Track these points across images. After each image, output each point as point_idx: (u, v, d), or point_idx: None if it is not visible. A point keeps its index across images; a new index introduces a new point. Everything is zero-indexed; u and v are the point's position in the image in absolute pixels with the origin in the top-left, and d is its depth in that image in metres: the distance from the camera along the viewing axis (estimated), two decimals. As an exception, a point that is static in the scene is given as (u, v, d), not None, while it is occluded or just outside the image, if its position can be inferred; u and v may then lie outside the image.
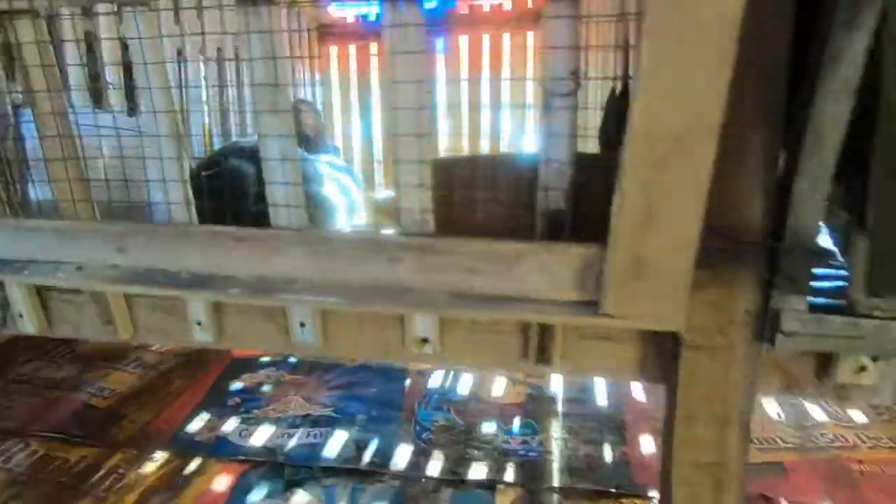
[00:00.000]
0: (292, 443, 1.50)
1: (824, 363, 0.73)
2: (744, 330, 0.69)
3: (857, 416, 1.55)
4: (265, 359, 1.95)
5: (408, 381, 1.79)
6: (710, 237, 0.68)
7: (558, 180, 0.68)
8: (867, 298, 0.51)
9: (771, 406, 1.60)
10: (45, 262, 0.80)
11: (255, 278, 0.73)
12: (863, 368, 0.71)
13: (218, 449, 1.48)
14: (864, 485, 1.29)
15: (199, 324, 0.87)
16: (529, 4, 2.53)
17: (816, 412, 1.57)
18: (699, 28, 0.49)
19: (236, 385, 1.79)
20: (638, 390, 1.74)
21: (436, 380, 1.80)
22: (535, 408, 1.64)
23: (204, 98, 1.53)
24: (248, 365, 1.91)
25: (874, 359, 0.70)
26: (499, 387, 1.75)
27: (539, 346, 0.80)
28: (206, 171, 1.06)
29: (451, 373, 1.83)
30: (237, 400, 1.71)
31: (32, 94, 0.76)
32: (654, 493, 1.26)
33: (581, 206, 0.68)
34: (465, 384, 1.78)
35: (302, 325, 0.84)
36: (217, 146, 1.45)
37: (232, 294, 0.73)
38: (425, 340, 0.82)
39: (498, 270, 0.65)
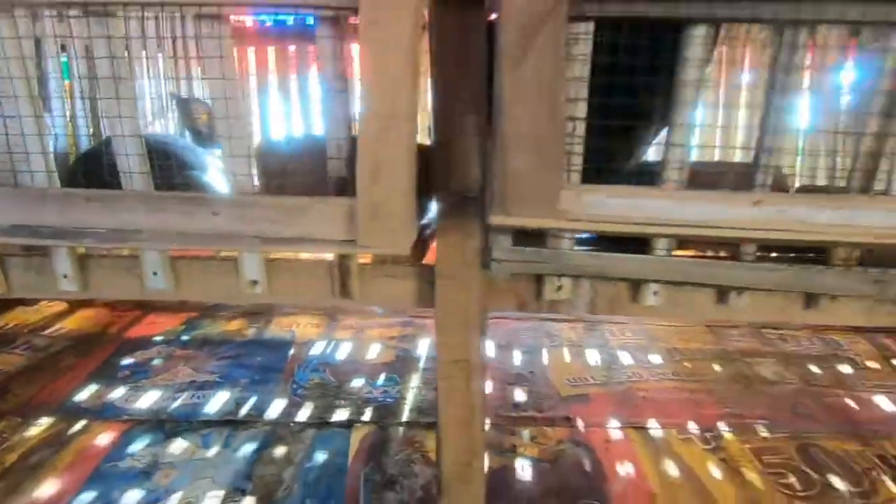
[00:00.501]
0: (176, 404, 1.66)
1: (539, 285, 1.03)
2: (475, 262, 0.98)
3: (655, 358, 1.94)
4: (158, 337, 2.09)
5: (292, 351, 2.00)
6: (448, 196, 0.96)
7: (338, 154, 0.93)
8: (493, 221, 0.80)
9: (591, 354, 1.97)
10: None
11: (108, 230, 0.93)
12: (559, 287, 1.02)
13: (103, 413, 1.61)
14: (642, 405, 1.66)
15: (65, 276, 1.05)
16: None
17: (625, 357, 1.95)
18: (391, 45, 0.76)
19: (127, 360, 1.92)
20: (486, 348, 2.05)
21: (318, 349, 2.02)
22: (401, 366, 1.90)
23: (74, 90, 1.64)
24: (140, 344, 2.04)
25: (570, 278, 1.01)
26: (373, 351, 2.00)
27: (341, 283, 1.06)
28: (84, 167, 1.22)
29: (332, 342, 2.06)
30: (126, 373, 1.84)
31: None
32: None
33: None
34: (343, 351, 2.01)
35: (154, 273, 1.05)
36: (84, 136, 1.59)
37: (86, 242, 0.93)
38: (255, 282, 1.05)
39: (291, 220, 0.90)
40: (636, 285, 1.02)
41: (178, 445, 1.47)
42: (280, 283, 1.06)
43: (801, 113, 0.94)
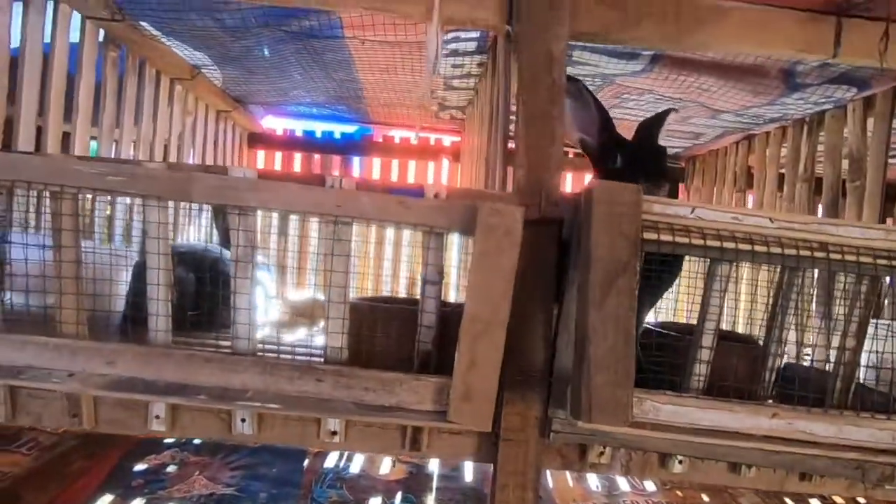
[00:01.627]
0: (197, 521, 1.67)
1: (583, 450, 1.20)
2: (535, 430, 1.14)
3: (650, 485, 2.09)
4: (169, 440, 2.09)
5: (307, 462, 2.04)
6: (517, 373, 1.14)
7: (428, 330, 1.10)
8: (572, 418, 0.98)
9: (592, 481, 2.10)
10: (40, 369, 1.05)
11: (219, 388, 1.05)
12: (601, 453, 1.19)
13: (123, 528, 1.60)
14: (643, 535, 1.79)
15: (157, 417, 1.14)
16: (431, 142, 3.13)
17: (623, 484, 2.09)
18: (496, 270, 0.96)
19: (140, 466, 1.91)
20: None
21: (331, 460, 2.07)
22: (415, 484, 1.97)
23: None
24: (151, 446, 2.03)
25: (609, 447, 1.18)
26: (385, 466, 2.07)
27: (412, 439, 1.19)
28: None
29: (345, 454, 2.11)
30: (140, 481, 1.83)
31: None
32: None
33: (443, 348, 1.10)
34: (356, 464, 2.06)
35: (243, 420, 1.15)
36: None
37: (198, 401, 1.04)
38: (334, 433, 1.17)
39: (385, 390, 1.05)
40: (665, 458, 1.20)
41: (205, 572, 1.48)
42: (355, 434, 1.18)
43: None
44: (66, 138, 1.62)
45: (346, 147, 3.07)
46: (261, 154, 3.07)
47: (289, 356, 1.12)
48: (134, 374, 1.04)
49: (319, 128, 3.08)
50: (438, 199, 1.05)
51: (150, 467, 1.91)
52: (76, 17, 1.61)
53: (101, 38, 1.72)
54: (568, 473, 2.13)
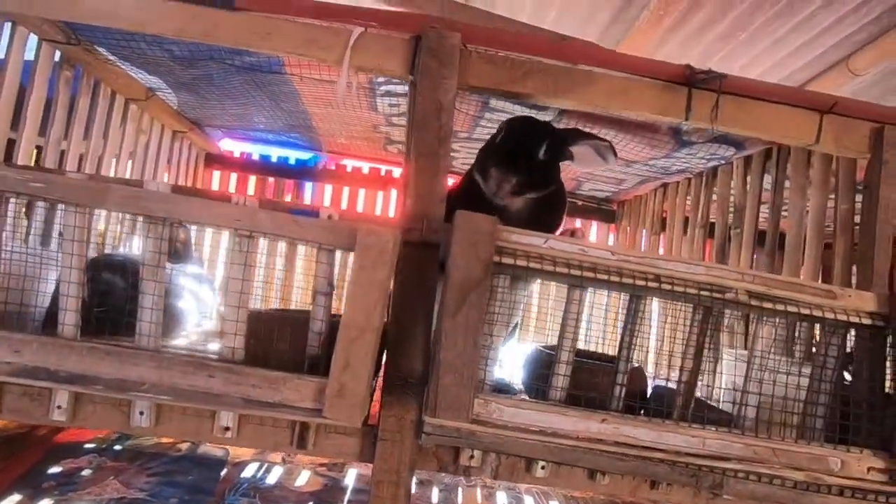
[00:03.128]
0: (102, 521, 1.71)
1: (456, 453, 1.32)
2: (410, 432, 1.27)
3: (553, 502, 2.20)
4: (90, 445, 2.12)
5: (224, 472, 2.09)
6: (397, 379, 1.27)
7: (317, 336, 1.23)
8: (429, 416, 1.11)
9: (501, 496, 2.20)
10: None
11: (117, 380, 1.15)
12: (472, 456, 1.32)
13: (26, 526, 1.63)
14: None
15: (59, 407, 1.23)
16: (382, 173, 3.32)
17: (529, 501, 2.20)
18: (371, 283, 1.11)
19: (54, 469, 1.94)
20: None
21: (249, 471, 2.13)
22: (328, 496, 2.04)
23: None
24: (71, 450, 2.06)
25: (477, 450, 1.31)
26: (302, 478, 2.13)
27: (300, 437, 1.30)
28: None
29: (264, 465, 2.18)
30: (52, 483, 1.86)
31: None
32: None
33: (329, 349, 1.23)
34: (274, 476, 2.13)
35: (141, 413, 1.25)
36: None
37: (96, 390, 1.14)
38: (227, 428, 1.27)
39: (271, 387, 1.16)
40: (529, 460, 1.33)
41: (102, 569, 1.52)
42: (248, 431, 1.29)
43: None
44: (11, 146, 1.73)
45: (300, 172, 3.23)
46: (216, 174, 3.20)
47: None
48: (38, 364, 1.14)
49: (276, 153, 3.23)
50: (327, 220, 1.20)
51: (64, 470, 1.94)
52: (33, 38, 1.75)
53: (56, 59, 1.86)
54: (479, 490, 2.22)
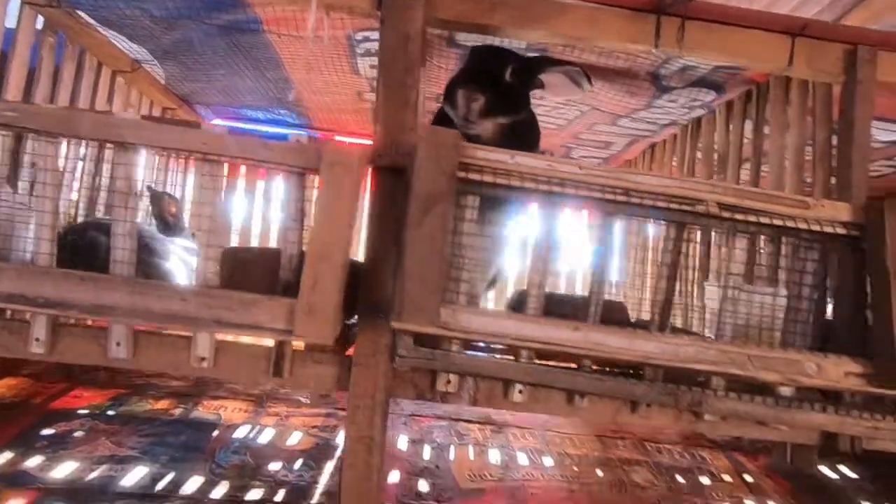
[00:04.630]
0: (92, 476, 1.72)
1: (433, 378, 1.32)
2: (384, 356, 1.27)
3: (548, 460, 2.19)
4: (83, 410, 2.14)
5: (216, 433, 2.10)
6: (370, 305, 1.28)
7: (289, 261, 1.24)
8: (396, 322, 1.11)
9: (493, 454, 2.19)
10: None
11: (91, 305, 1.17)
12: (448, 381, 1.32)
13: (15, 480, 1.65)
14: (530, 501, 1.88)
15: (37, 340, 1.25)
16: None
17: (522, 458, 2.19)
18: (338, 199, 1.12)
19: (47, 431, 1.95)
20: (401, 442, 2.22)
21: (241, 432, 2.13)
22: (319, 453, 2.04)
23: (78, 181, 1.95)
24: (64, 415, 2.08)
25: (457, 375, 1.31)
26: (295, 438, 2.14)
27: (276, 366, 1.31)
28: (71, 236, 1.47)
29: (256, 427, 2.18)
30: (45, 443, 1.88)
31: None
32: None
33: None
34: (266, 436, 2.13)
35: (118, 343, 1.26)
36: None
37: (72, 313, 1.15)
38: (203, 359, 1.28)
39: (244, 309, 1.17)
40: (507, 384, 1.33)
41: (90, 515, 1.54)
42: (224, 361, 1.30)
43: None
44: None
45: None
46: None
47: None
48: (16, 291, 1.16)
49: (267, 131, 3.26)
50: (294, 142, 1.21)
51: (56, 432, 1.96)
52: (14, 4, 1.78)
53: (39, 25, 1.90)
54: (471, 448, 2.22)
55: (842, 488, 2.31)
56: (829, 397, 1.37)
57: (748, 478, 2.28)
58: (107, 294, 1.16)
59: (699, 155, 2.29)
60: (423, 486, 1.92)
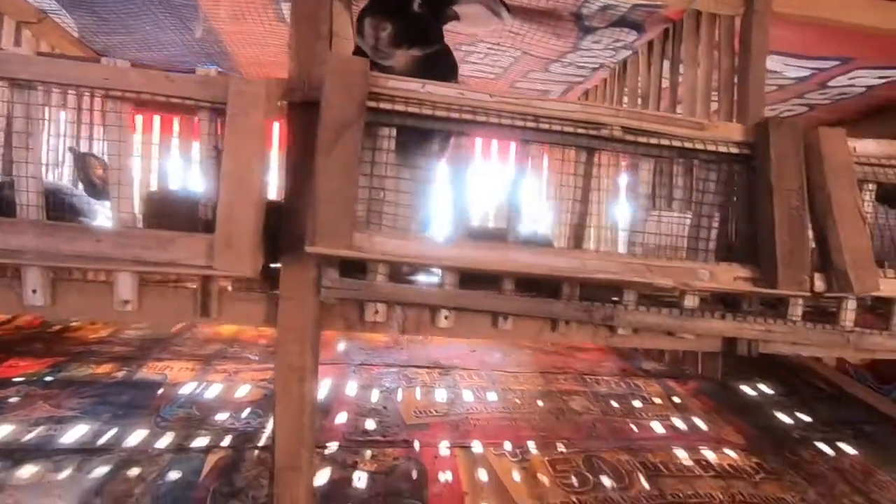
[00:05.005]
0: (29, 436, 1.70)
1: (362, 310, 1.37)
2: (311, 289, 1.30)
3: (492, 396, 2.30)
4: (19, 378, 2.09)
5: (161, 391, 2.10)
6: (293, 239, 1.29)
7: (207, 202, 1.24)
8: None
9: (440, 393, 2.29)
10: None
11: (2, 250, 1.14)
12: (377, 311, 1.36)
13: (-54, 445, 1.62)
14: (472, 431, 1.98)
15: (-55, 291, 1.21)
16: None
17: (468, 395, 2.29)
18: (246, 130, 1.12)
19: (-20, 399, 1.91)
20: (349, 388, 2.29)
21: (188, 388, 2.14)
22: (267, 402, 2.08)
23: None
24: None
25: (384, 304, 1.36)
26: (243, 391, 2.16)
27: (202, 304, 1.31)
28: None
29: (203, 383, 2.19)
30: (-22, 410, 1.84)
31: None
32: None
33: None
34: (213, 391, 2.15)
35: (34, 291, 1.24)
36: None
37: (-24, 259, 1.12)
38: (127, 302, 1.28)
39: (160, 247, 1.17)
40: (433, 311, 1.39)
41: (28, 470, 1.53)
42: (149, 303, 1.30)
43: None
44: None
45: (227, 111, 3.14)
46: (139, 119, 3.09)
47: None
48: (-88, 239, 1.11)
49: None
50: (200, 75, 1.19)
51: (-10, 400, 1.92)
52: None
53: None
54: (418, 389, 2.30)
55: (760, 404, 2.53)
56: (729, 306, 1.49)
57: (676, 399, 2.46)
58: (13, 238, 1.14)
59: (626, 99, 2.37)
60: (370, 424, 2.00)
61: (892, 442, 2.15)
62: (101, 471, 1.55)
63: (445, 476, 1.68)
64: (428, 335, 1.41)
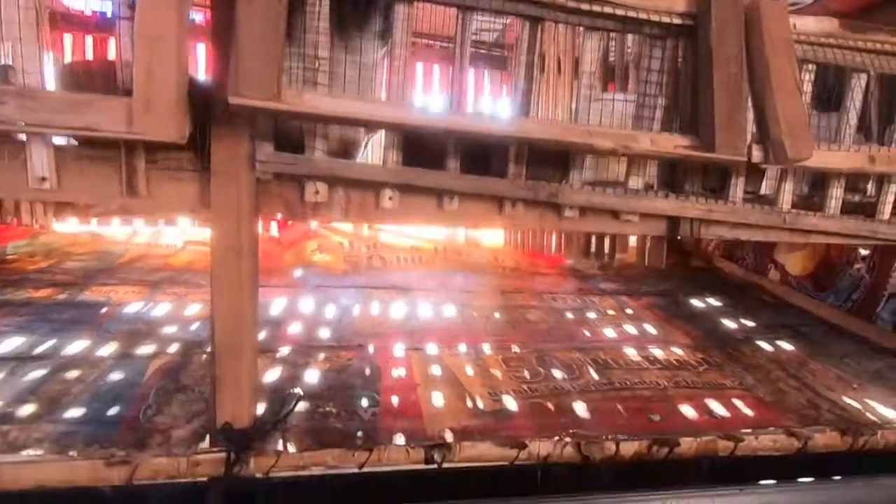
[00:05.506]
0: (-42, 348, 1.62)
1: (302, 192, 1.32)
2: (245, 164, 1.24)
3: (450, 310, 2.31)
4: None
5: (105, 310, 2.03)
6: (223, 110, 1.22)
7: (126, 67, 1.15)
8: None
9: (397, 307, 2.28)
10: None
11: None
12: (317, 192, 1.32)
13: None
14: (427, 338, 1.99)
15: None
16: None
17: (426, 311, 2.30)
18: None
19: None
20: (304, 305, 2.26)
21: (134, 307, 2.07)
22: (218, 318, 2.03)
23: None
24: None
25: (326, 184, 1.31)
26: (193, 309, 2.10)
27: (129, 184, 1.24)
28: None
29: (151, 302, 2.12)
30: None
31: None
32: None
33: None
34: (162, 309, 2.08)
35: (-64, 165, 1.14)
36: None
37: None
38: (44, 179, 1.20)
39: (74, 112, 1.09)
40: (377, 194, 1.35)
41: (-45, 376, 1.46)
42: (68, 180, 1.21)
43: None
44: None
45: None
46: (68, 39, 2.86)
47: None
48: None
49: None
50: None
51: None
52: None
53: None
54: (375, 304, 2.30)
55: (708, 313, 2.64)
56: (671, 188, 1.51)
57: (629, 311, 2.54)
58: None
59: None
60: (325, 332, 1.98)
61: (825, 340, 2.28)
62: (36, 374, 1.49)
63: (398, 372, 1.69)
64: (372, 220, 1.38)
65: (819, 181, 1.63)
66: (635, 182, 1.45)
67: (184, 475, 1.22)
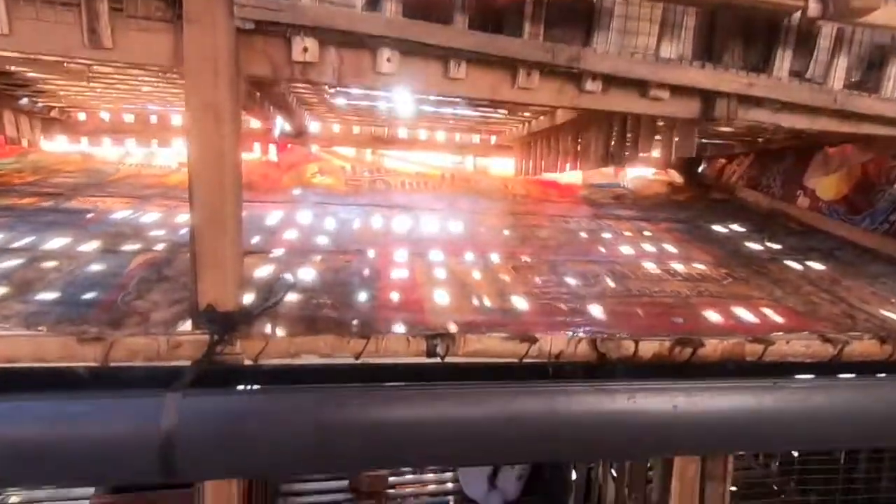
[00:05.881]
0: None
1: (288, 50, 1.16)
2: (223, 9, 1.08)
3: (457, 226, 2.18)
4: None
5: (90, 216, 1.91)
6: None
7: None
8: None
9: (400, 221, 2.15)
10: None
11: None
12: (306, 49, 1.16)
13: None
14: (432, 247, 1.87)
15: None
16: None
17: (431, 226, 2.16)
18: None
19: None
20: (302, 217, 2.13)
21: (122, 215, 1.95)
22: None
23: None
24: None
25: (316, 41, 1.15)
26: (183, 218, 1.98)
27: (91, 31, 1.09)
28: None
29: (141, 212, 2.01)
30: None
31: None
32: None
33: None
34: (151, 217, 1.97)
35: None
36: None
37: None
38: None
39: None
40: (374, 54, 1.19)
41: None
42: (24, 29, 1.06)
43: None
44: None
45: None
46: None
47: None
48: None
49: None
50: None
51: None
52: None
53: None
54: (377, 217, 2.17)
55: (732, 237, 2.48)
56: (708, 58, 1.34)
57: (647, 233, 2.39)
58: None
59: None
60: (323, 240, 1.86)
61: (859, 262, 2.13)
62: (10, 264, 1.39)
63: (399, 273, 1.57)
64: (368, 83, 1.22)
65: (876, 61, 1.44)
66: (667, 50, 1.28)
67: (164, 357, 1.12)
